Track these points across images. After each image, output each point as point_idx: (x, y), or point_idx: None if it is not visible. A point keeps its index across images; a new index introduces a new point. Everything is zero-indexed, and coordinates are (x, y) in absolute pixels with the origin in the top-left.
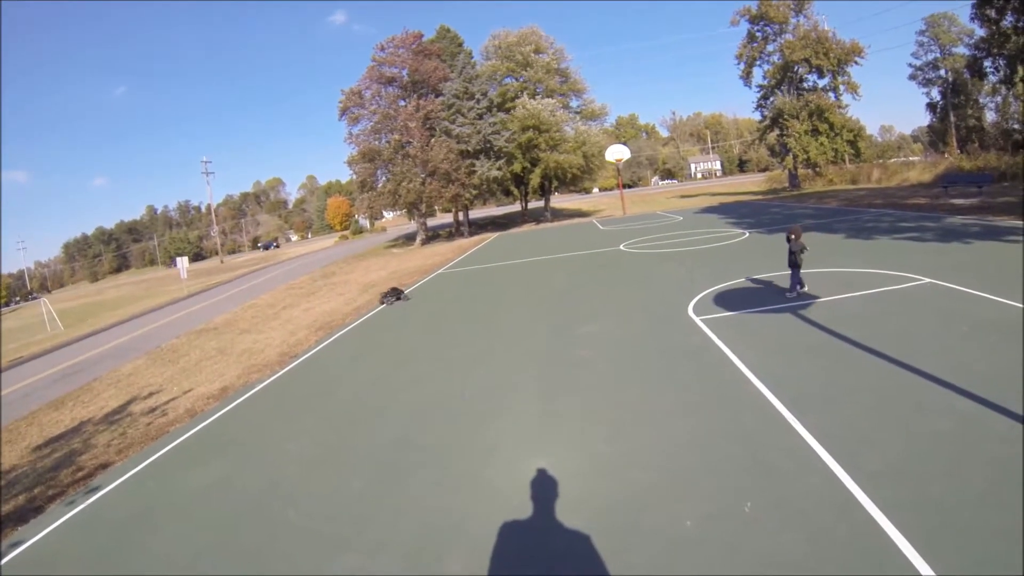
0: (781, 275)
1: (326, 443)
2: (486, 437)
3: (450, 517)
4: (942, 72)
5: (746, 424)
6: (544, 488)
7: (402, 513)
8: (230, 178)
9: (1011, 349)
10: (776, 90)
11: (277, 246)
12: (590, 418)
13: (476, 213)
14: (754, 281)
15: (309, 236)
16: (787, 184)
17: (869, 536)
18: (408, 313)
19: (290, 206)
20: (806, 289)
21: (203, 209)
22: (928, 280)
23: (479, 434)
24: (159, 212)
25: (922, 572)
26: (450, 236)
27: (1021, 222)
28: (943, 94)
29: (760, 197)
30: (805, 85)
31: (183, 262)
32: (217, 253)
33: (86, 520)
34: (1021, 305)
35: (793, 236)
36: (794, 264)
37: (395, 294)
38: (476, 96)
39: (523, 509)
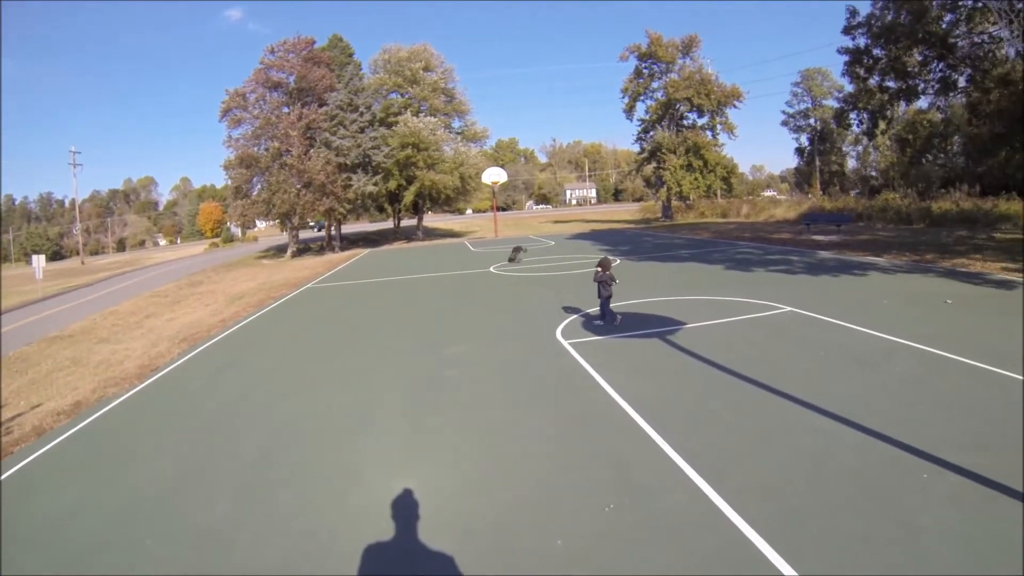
0: (651, 301)
1: (187, 463)
2: (352, 456)
3: (316, 540)
4: (812, 121)
5: (614, 444)
6: (411, 509)
7: (266, 537)
8: (100, 173)
9: (861, 371)
10: (657, 125)
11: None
12: (457, 438)
13: (348, 228)
14: (623, 307)
15: (178, 241)
16: (660, 215)
17: (737, 547)
18: (274, 328)
19: (161, 208)
20: (618, 322)
21: (67, 204)
22: (789, 308)
23: (344, 453)
24: (17, 203)
25: None
26: (321, 250)
27: (874, 258)
28: (811, 140)
29: (633, 226)
30: (685, 122)
31: (39, 260)
32: (79, 253)
33: None
34: (871, 332)
35: (601, 268)
36: (604, 295)
37: (517, 251)
38: (360, 109)
39: (389, 530)
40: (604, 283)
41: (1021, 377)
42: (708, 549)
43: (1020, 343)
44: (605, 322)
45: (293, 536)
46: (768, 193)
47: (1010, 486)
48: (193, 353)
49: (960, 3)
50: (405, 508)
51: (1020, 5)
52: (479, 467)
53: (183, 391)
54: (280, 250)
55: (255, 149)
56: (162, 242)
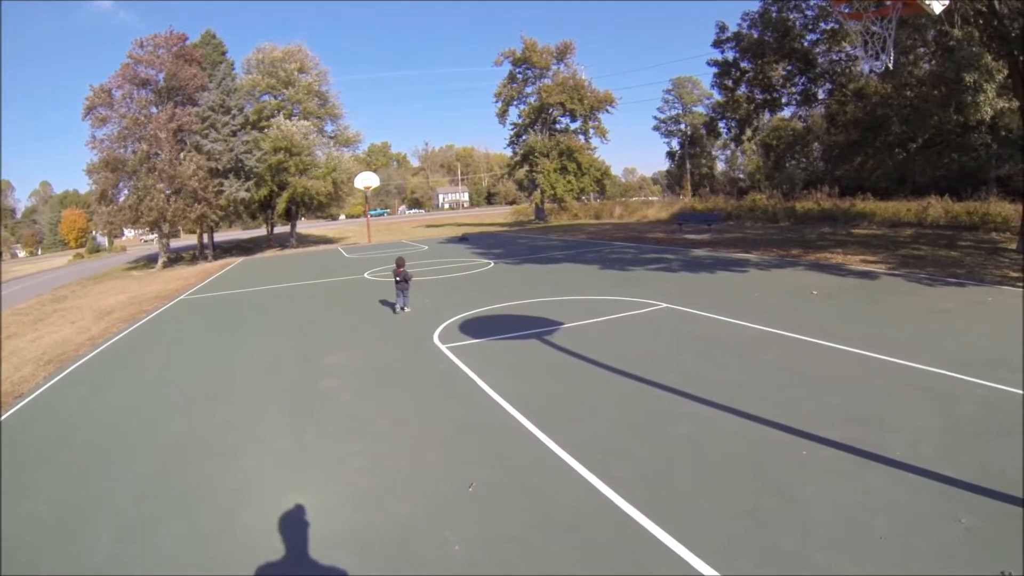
0: (528, 303)
1: (64, 500)
2: (236, 477)
3: (207, 570)
4: (682, 126)
5: (500, 446)
6: (302, 527)
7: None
8: None
9: (735, 360)
10: (530, 129)
11: None
12: (343, 450)
13: (221, 236)
14: (499, 309)
15: (39, 252)
16: (533, 217)
17: (633, 535)
18: (146, 345)
19: (19, 215)
20: (405, 310)
21: None
22: (665, 305)
23: (228, 474)
24: None
25: (685, 559)
26: (193, 259)
27: (744, 254)
28: (682, 144)
29: (507, 228)
30: (558, 126)
31: None
32: None
33: None
34: (743, 323)
35: (397, 266)
36: (402, 288)
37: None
38: (232, 111)
39: (281, 551)
40: (405, 279)
41: (879, 356)
42: (605, 539)
43: (877, 327)
44: (398, 311)
45: (184, 568)
46: (635, 200)
47: (878, 453)
48: (61, 376)
49: (821, 24)
50: (297, 526)
51: (874, 28)
52: (368, 479)
53: (53, 419)
54: (150, 260)
55: (121, 152)
56: (20, 253)
